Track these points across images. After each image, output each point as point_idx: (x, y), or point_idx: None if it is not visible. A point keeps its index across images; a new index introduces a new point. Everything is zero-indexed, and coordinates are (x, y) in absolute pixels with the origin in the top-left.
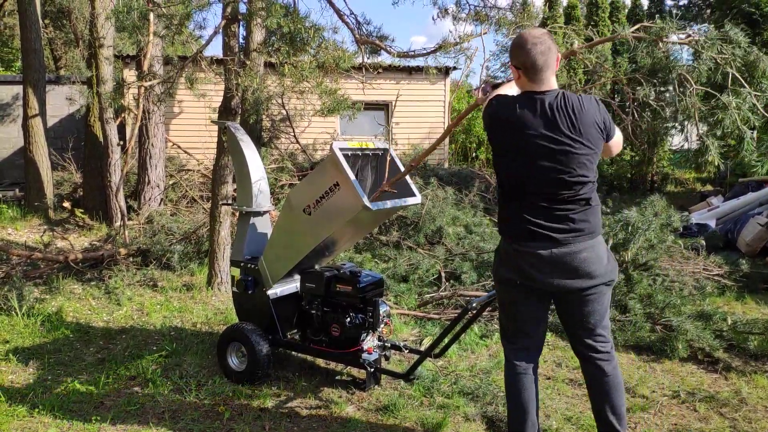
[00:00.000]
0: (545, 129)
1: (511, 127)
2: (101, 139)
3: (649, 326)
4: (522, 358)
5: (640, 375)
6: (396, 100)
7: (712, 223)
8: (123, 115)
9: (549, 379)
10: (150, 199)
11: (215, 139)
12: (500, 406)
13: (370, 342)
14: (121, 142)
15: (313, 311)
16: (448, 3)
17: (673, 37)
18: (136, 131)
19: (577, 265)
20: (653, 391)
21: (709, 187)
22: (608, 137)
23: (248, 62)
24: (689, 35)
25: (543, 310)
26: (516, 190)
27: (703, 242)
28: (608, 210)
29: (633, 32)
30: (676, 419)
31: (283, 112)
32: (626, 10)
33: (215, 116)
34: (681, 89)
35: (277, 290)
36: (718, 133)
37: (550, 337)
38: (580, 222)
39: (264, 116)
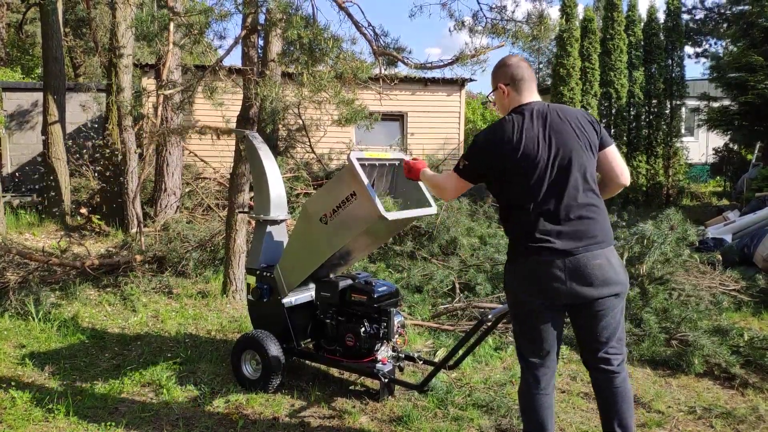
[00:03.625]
0: (542, 132)
1: (509, 145)
2: (119, 147)
3: (664, 340)
4: (540, 377)
5: (655, 390)
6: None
7: (729, 238)
8: (141, 123)
9: (564, 392)
10: (166, 206)
11: (231, 148)
12: (514, 419)
13: (384, 352)
14: (139, 150)
15: (328, 320)
16: (464, 15)
17: None
18: (154, 139)
19: (591, 272)
20: (669, 407)
21: (725, 202)
22: (603, 140)
23: (267, 72)
24: None
25: (561, 327)
26: (525, 205)
27: (720, 257)
28: (624, 223)
29: None
30: None
31: (299, 122)
32: (642, 24)
33: (232, 125)
34: None
35: (292, 299)
36: None
37: (565, 350)
38: (592, 230)
39: (280, 126)
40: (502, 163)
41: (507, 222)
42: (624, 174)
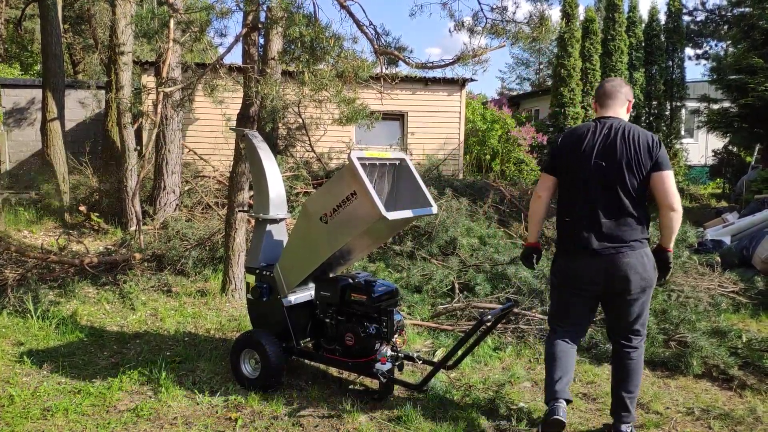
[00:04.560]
0: (599, 143)
1: (573, 143)
2: (118, 144)
3: (663, 342)
4: (567, 335)
5: (654, 391)
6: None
7: (727, 240)
8: (140, 121)
9: None
10: (165, 204)
11: (231, 146)
12: (514, 420)
13: (383, 352)
14: (138, 148)
15: (327, 320)
16: (464, 16)
17: None
18: (154, 137)
19: (619, 269)
20: (667, 408)
21: (724, 203)
22: (658, 164)
23: (268, 70)
24: None
25: (593, 310)
26: (569, 204)
27: (718, 258)
28: None
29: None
30: None
31: (299, 120)
32: (643, 25)
33: (232, 123)
34: None
35: (291, 298)
36: None
37: None
38: (626, 233)
39: (280, 124)
40: (562, 155)
41: (558, 219)
42: (666, 199)
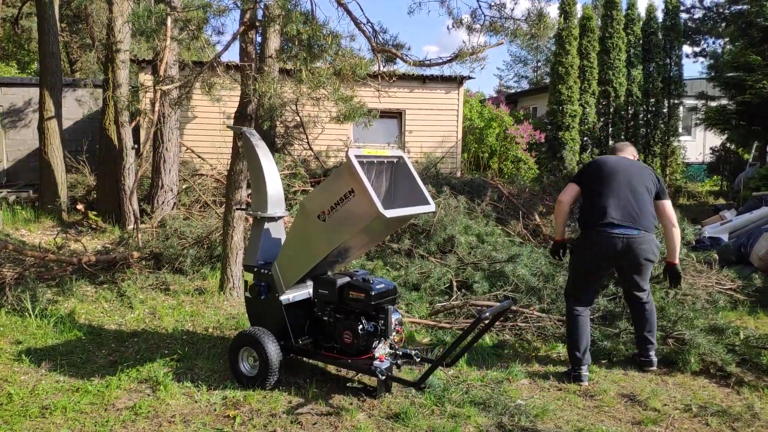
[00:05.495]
0: (618, 167)
1: (598, 167)
2: (116, 143)
3: (661, 339)
4: (583, 305)
5: (651, 388)
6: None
7: (725, 237)
8: (138, 119)
9: (560, 390)
10: (163, 202)
11: (229, 144)
12: (513, 416)
13: (381, 350)
14: (136, 146)
15: (325, 318)
16: (463, 13)
17: None
18: (151, 135)
19: (635, 246)
20: (665, 405)
21: (722, 201)
22: (659, 192)
23: (265, 68)
24: None
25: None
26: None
27: (716, 256)
28: None
29: None
30: None
31: (297, 118)
32: (641, 23)
33: (230, 122)
34: None
35: (289, 296)
36: None
37: (562, 348)
38: (639, 221)
39: (278, 122)
40: (589, 175)
41: (583, 212)
42: (663, 220)
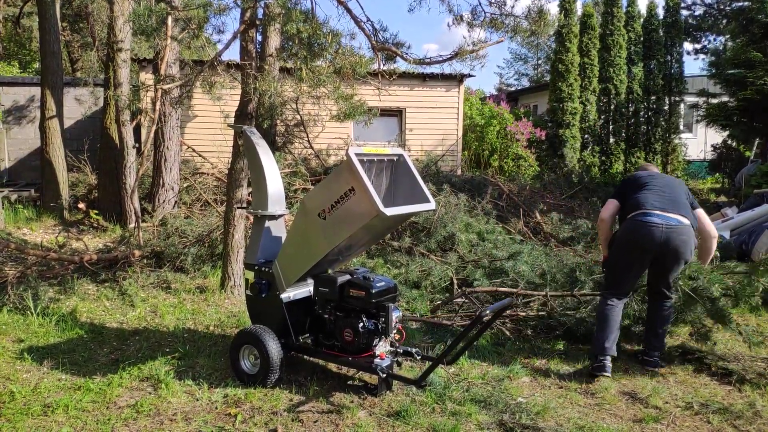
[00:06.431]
0: (654, 179)
1: (636, 180)
2: (117, 142)
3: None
4: (617, 297)
5: (653, 385)
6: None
7: (727, 234)
8: (139, 118)
9: (561, 388)
10: (164, 201)
11: (230, 143)
12: (514, 414)
13: (382, 347)
14: (137, 145)
15: (326, 316)
16: (463, 10)
17: None
18: (152, 134)
19: (675, 242)
20: (666, 402)
21: (723, 198)
22: (692, 202)
23: (266, 67)
24: None
25: (643, 270)
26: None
27: (718, 253)
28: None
29: None
30: (689, 431)
31: (297, 117)
32: (641, 20)
33: (231, 120)
34: None
35: (290, 294)
36: None
37: (563, 347)
38: (681, 209)
39: (278, 121)
40: (626, 186)
41: (622, 212)
42: (704, 229)
